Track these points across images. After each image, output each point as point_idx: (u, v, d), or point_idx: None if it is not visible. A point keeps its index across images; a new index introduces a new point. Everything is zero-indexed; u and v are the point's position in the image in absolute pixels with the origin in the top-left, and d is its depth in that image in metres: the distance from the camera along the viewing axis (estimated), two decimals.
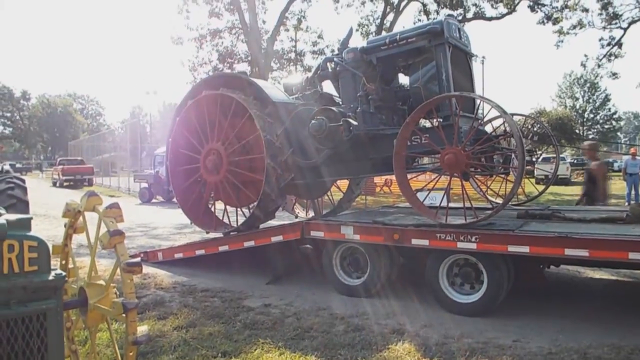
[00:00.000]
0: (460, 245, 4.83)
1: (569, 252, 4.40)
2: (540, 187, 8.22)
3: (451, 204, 5.40)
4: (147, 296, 5.68)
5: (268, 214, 6.64)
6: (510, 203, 5.66)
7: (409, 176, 5.53)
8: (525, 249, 4.57)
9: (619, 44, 22.78)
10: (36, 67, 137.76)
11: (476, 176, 6.24)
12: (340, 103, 6.46)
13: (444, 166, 5.01)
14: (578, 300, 5.48)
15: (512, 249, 4.62)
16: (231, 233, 6.76)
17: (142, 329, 2.68)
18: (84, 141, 43.81)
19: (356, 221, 5.67)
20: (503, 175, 6.60)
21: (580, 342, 4.12)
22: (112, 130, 55.49)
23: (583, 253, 4.34)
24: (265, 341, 4.18)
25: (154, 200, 19.88)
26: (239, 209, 7.18)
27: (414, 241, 5.11)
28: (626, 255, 4.17)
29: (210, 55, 21.49)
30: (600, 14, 22.40)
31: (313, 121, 5.82)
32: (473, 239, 4.75)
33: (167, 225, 11.93)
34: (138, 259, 2.67)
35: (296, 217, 7.67)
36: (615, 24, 22.60)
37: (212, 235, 7.03)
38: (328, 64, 6.65)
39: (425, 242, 5.04)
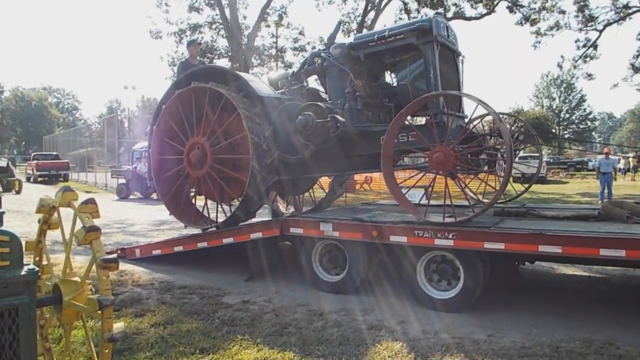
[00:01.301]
0: (437, 242, 4.89)
1: (543, 248, 4.49)
2: (517, 185, 8.35)
3: (432, 202, 5.44)
4: (124, 293, 5.61)
5: (249, 214, 6.61)
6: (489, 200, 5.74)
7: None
8: (501, 246, 4.65)
9: (595, 46, 23.30)
10: (10, 59, 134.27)
11: (461, 175, 6.30)
12: (327, 99, 6.45)
13: (432, 164, 5.05)
14: (551, 296, 5.60)
15: (488, 245, 4.69)
16: (209, 230, 6.72)
17: (118, 326, 2.65)
18: (60, 136, 42.94)
19: (335, 218, 5.69)
20: (483, 175, 6.66)
21: (553, 337, 4.22)
22: (89, 124, 54.49)
23: (556, 250, 4.44)
24: (243, 337, 4.17)
25: (131, 197, 19.61)
26: (220, 204, 7.11)
27: (393, 238, 5.15)
28: (597, 251, 4.27)
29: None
30: (577, 16, 22.89)
31: (300, 117, 5.78)
32: (450, 236, 4.81)
33: (144, 222, 11.79)
34: (114, 255, 2.63)
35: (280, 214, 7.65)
36: (591, 26, 23.11)
37: (190, 230, 6.97)
38: (315, 59, 6.59)
39: (403, 239, 5.09)
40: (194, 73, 6.84)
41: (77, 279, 2.89)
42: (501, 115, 7.48)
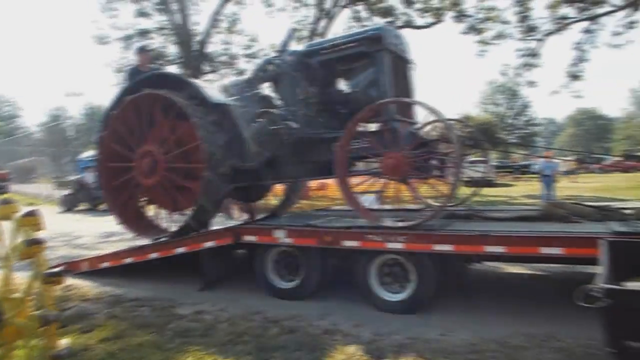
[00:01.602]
0: (389, 245, 5.00)
1: (488, 248, 4.69)
2: (466, 189, 8.58)
3: (386, 207, 5.57)
4: (71, 309, 5.39)
5: (202, 224, 6.46)
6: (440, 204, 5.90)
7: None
8: (449, 247, 4.82)
9: (535, 55, 24.46)
10: None
11: (412, 180, 6.45)
12: (281, 105, 6.46)
13: (385, 170, 5.13)
14: (498, 294, 5.83)
15: (437, 247, 4.85)
16: (160, 240, 6.56)
17: (64, 342, 2.57)
18: None
19: (289, 225, 5.71)
20: (434, 179, 6.83)
21: (500, 333, 4.39)
22: (30, 133, 51.94)
23: (501, 249, 4.65)
24: (197, 348, 4.11)
25: (77, 208, 18.87)
26: (171, 214, 6.94)
27: (345, 243, 5.23)
28: (537, 250, 4.51)
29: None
30: (518, 27, 23.97)
31: (253, 124, 5.75)
32: (400, 239, 4.94)
33: (91, 234, 11.37)
34: (59, 269, 2.55)
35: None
36: (532, 35, 24.27)
37: (142, 241, 6.79)
38: (268, 65, 6.59)
39: (355, 244, 5.18)
40: (146, 79, 6.66)
41: (18, 295, 2.78)
42: (451, 121, 7.74)
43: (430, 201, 6.82)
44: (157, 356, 3.96)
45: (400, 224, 5.08)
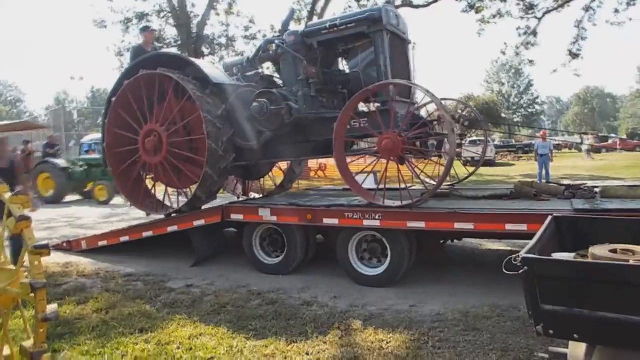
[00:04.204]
0: (365, 223, 5.28)
1: (458, 225, 4.96)
2: (468, 169, 8.71)
3: (382, 186, 5.66)
4: (68, 283, 5.75)
5: (210, 194, 6.65)
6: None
7: (347, 159, 5.80)
8: (421, 224, 5.09)
9: (534, 33, 24.34)
10: None
11: (411, 159, 6.59)
12: (282, 85, 6.60)
13: (381, 151, 5.32)
14: (473, 269, 6.10)
15: (410, 224, 5.13)
16: (173, 215, 6.74)
17: (52, 307, 2.88)
18: None
19: (273, 203, 6.00)
20: (436, 159, 6.95)
21: (467, 304, 4.69)
22: (35, 117, 52.36)
23: (469, 226, 4.92)
24: (182, 317, 4.45)
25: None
26: (179, 189, 7.11)
27: (325, 220, 5.51)
28: (503, 226, 4.78)
29: (138, 39, 20.86)
30: (518, 4, 23.82)
31: (255, 104, 5.88)
32: (377, 217, 5.21)
33: (92, 215, 11.73)
34: (46, 242, 2.85)
35: (238, 197, 7.87)
36: (531, 13, 24.12)
37: (152, 218, 7.01)
38: (269, 45, 6.69)
39: (335, 221, 5.46)
40: (146, 60, 6.78)
41: (11, 267, 3.09)
42: (449, 102, 7.85)
43: (429, 181, 6.98)
44: (145, 324, 4.29)
45: (396, 204, 5.26)
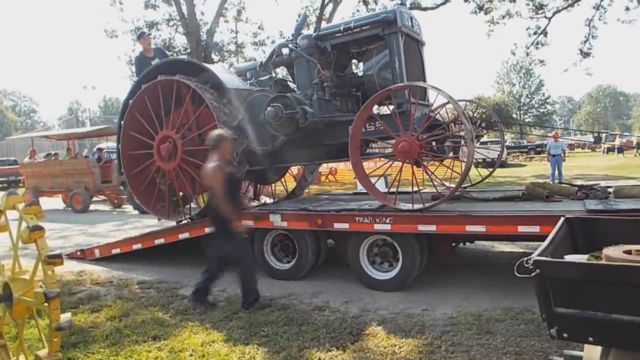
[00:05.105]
0: (376, 227, 5.26)
1: (469, 228, 4.91)
2: (480, 170, 8.55)
3: (393, 189, 5.61)
4: (82, 292, 5.80)
5: None
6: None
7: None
8: (432, 228, 5.06)
9: (544, 33, 24.17)
10: None
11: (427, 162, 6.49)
12: (295, 89, 6.59)
13: (397, 153, 5.27)
14: (485, 272, 6.04)
15: (421, 228, 5.10)
16: (183, 222, 6.75)
17: (65, 316, 2.91)
18: (17, 140, 41.66)
19: (283, 209, 6.00)
20: (449, 162, 6.81)
21: (479, 307, 4.65)
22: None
23: (481, 229, 4.87)
24: (194, 324, 4.47)
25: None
26: (192, 196, 7.02)
27: (336, 225, 5.50)
28: (516, 228, 4.73)
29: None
30: (527, 4, 23.68)
31: (269, 108, 5.86)
32: (387, 221, 5.19)
33: (106, 223, 11.84)
34: (59, 252, 2.88)
35: (249, 201, 7.85)
36: (541, 13, 23.96)
37: (164, 224, 6.99)
38: (283, 49, 6.70)
39: (345, 226, 5.45)
40: (160, 66, 6.79)
41: (26, 277, 3.13)
42: (463, 103, 7.77)
43: (446, 183, 6.93)
44: (158, 331, 4.31)
45: (415, 206, 5.18)
